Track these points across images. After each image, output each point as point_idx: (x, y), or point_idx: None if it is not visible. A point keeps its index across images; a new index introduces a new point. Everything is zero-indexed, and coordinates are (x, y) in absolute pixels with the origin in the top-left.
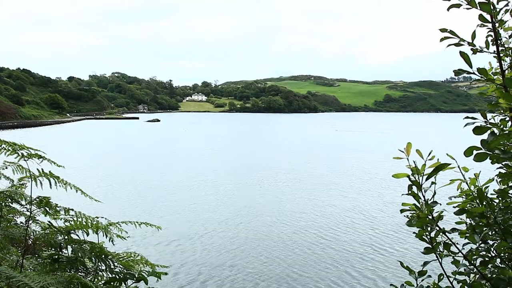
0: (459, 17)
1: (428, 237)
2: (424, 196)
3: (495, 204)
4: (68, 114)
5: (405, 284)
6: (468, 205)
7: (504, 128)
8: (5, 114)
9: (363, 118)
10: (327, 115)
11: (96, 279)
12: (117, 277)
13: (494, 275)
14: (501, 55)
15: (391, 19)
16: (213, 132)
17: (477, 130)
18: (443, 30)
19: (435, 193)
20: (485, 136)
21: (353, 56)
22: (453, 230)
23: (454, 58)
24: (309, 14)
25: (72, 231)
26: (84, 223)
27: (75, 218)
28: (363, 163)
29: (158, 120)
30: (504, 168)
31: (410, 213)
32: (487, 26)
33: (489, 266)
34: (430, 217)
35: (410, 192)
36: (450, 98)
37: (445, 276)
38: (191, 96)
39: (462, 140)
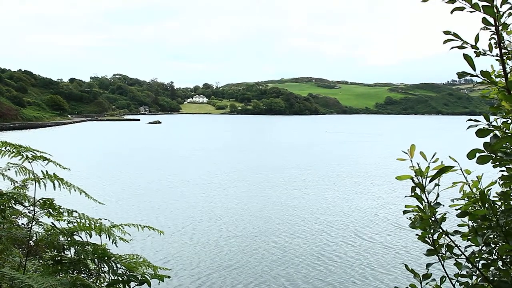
0: (461, 20)
1: (431, 239)
2: (427, 198)
3: (498, 206)
4: (69, 116)
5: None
6: (471, 208)
7: (507, 131)
8: (6, 116)
9: (362, 120)
10: (327, 117)
11: (99, 281)
12: (120, 279)
13: (496, 278)
14: (504, 58)
15: (393, 21)
16: (211, 134)
17: (480, 133)
18: (446, 33)
19: (438, 195)
20: (487, 138)
21: (355, 58)
22: (456, 232)
23: (455, 60)
24: (310, 16)
25: (75, 233)
26: (87, 225)
27: (78, 220)
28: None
29: (160, 122)
30: (507, 171)
31: (413, 214)
32: (490, 29)
33: (492, 268)
34: (433, 219)
35: (413, 194)
36: (451, 101)
37: (447, 278)
38: (192, 98)
39: (458, 142)
